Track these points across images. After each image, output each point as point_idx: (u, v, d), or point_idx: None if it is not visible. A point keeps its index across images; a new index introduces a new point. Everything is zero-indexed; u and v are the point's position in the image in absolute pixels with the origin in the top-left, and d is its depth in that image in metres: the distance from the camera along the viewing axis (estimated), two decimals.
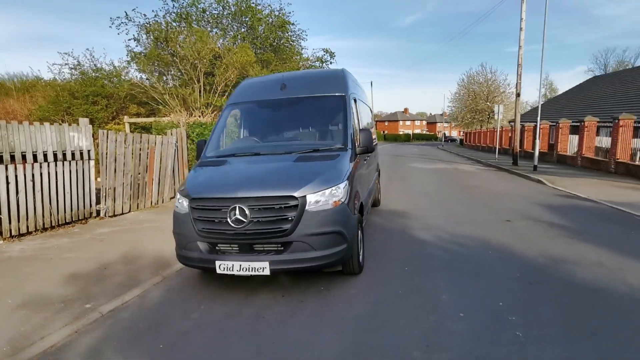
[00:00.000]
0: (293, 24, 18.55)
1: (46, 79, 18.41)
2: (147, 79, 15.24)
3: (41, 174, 6.45)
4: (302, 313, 3.58)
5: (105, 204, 7.58)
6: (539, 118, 16.03)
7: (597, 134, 16.44)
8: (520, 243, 5.52)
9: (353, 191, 4.20)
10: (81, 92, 15.15)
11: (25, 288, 4.20)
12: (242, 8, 17.27)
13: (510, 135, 27.64)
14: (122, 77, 16.64)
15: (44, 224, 6.49)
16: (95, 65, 16.47)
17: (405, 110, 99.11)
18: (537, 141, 16.05)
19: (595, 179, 12.37)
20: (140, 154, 8.31)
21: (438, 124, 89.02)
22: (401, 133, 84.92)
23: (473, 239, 5.82)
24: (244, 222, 3.64)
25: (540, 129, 16.50)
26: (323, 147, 4.65)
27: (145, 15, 21.03)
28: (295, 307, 3.70)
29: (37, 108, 15.74)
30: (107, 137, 7.55)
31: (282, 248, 3.72)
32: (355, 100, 5.39)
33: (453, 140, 64.26)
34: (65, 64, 16.02)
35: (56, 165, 6.71)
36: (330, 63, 19.96)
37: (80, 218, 7.17)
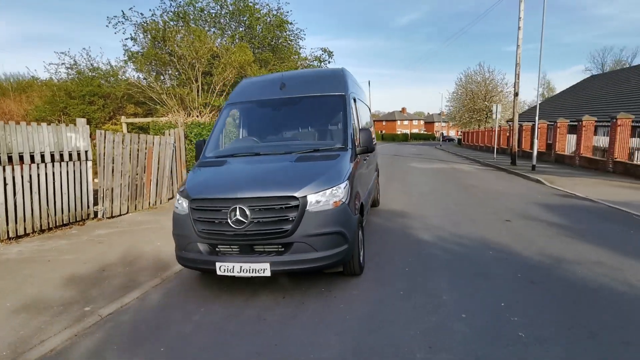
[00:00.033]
0: (291, 24, 18.55)
1: (43, 78, 18.33)
2: (144, 78, 15.17)
3: (38, 175, 6.41)
4: (303, 314, 3.57)
5: (103, 205, 7.54)
6: (537, 118, 16.05)
7: (595, 133, 16.51)
8: (520, 243, 5.52)
9: (354, 191, 4.19)
10: (78, 92, 15.07)
11: (24, 291, 4.17)
12: (240, 7, 17.23)
13: (508, 134, 27.74)
14: (119, 76, 16.58)
15: (41, 225, 6.45)
16: (91, 64, 16.43)
17: (403, 109, 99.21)
18: (536, 141, 16.09)
19: (593, 179, 12.41)
20: (138, 155, 8.26)
21: (436, 124, 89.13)
22: (399, 133, 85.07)
23: (473, 238, 5.82)
24: (245, 222, 3.62)
25: (538, 128, 16.53)
26: (323, 147, 4.63)
27: (142, 14, 20.89)
28: (296, 308, 3.69)
29: (34, 108, 15.67)
30: (105, 137, 7.50)
31: (283, 249, 3.70)
32: (354, 100, 5.37)
33: (451, 139, 64.43)
34: (62, 63, 15.97)
35: (54, 166, 6.67)
36: (329, 62, 19.97)
37: (77, 219, 7.13)
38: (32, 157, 6.33)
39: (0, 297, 4.01)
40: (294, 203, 3.65)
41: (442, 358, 2.81)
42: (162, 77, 15.53)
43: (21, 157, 6.18)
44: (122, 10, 18.46)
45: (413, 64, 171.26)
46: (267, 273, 3.63)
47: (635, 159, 13.06)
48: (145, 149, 8.46)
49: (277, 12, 17.98)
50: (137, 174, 8.27)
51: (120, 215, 7.85)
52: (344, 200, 3.88)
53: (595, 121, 16.47)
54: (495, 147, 24.42)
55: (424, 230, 6.36)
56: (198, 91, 14.26)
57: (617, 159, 13.68)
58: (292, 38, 19.01)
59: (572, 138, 17.84)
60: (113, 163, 7.68)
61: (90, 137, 7.49)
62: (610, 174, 13.61)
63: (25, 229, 6.20)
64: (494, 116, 23.05)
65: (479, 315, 3.43)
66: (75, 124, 7.19)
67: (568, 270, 4.43)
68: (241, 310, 3.68)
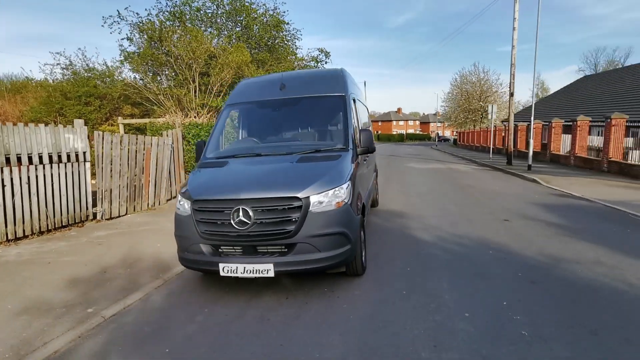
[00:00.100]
0: (288, 24, 18.52)
1: (37, 79, 18.17)
2: (141, 79, 15.08)
3: (37, 177, 6.36)
4: (307, 315, 3.58)
5: (101, 207, 7.50)
6: (532, 118, 16.18)
7: (590, 133, 16.65)
8: (518, 242, 5.57)
9: (355, 192, 4.20)
10: (73, 92, 14.94)
11: (25, 293, 4.14)
12: (237, 7, 17.19)
13: (503, 135, 27.90)
14: (116, 77, 16.47)
15: (40, 227, 6.40)
16: (87, 65, 16.30)
17: (399, 110, 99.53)
18: (531, 141, 16.21)
19: (588, 178, 12.53)
20: (136, 156, 8.23)
21: (431, 124, 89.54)
22: (395, 133, 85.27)
23: (472, 238, 5.86)
24: (248, 223, 3.62)
25: (533, 128, 16.65)
26: (324, 148, 4.64)
27: (138, 14, 20.79)
28: (299, 308, 3.70)
29: (29, 109, 15.51)
30: (103, 138, 7.47)
31: (286, 249, 3.71)
32: (354, 100, 5.39)
33: (446, 140, 64.68)
34: (57, 63, 15.83)
35: (52, 167, 6.62)
36: (326, 63, 19.97)
37: (76, 221, 7.09)
38: (30, 159, 6.29)
39: (1, 299, 3.98)
40: (297, 204, 3.66)
41: (447, 357, 2.83)
42: (158, 78, 15.45)
43: (19, 159, 6.13)
44: (117, 10, 18.25)
45: (409, 64, 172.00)
46: (271, 274, 3.63)
47: (630, 159, 13.19)
48: (144, 150, 8.43)
49: (274, 12, 17.97)
50: (135, 175, 8.24)
51: (119, 216, 7.82)
52: (346, 200, 3.89)
53: (590, 121, 16.61)
54: (491, 147, 24.58)
55: (423, 230, 6.40)
56: (195, 92, 14.21)
57: (611, 159, 13.81)
58: (288, 38, 19.01)
59: (567, 138, 17.99)
60: (111, 164, 7.65)
61: (89, 138, 7.45)
62: (605, 173, 13.74)
63: (24, 230, 6.15)
64: (489, 116, 23.20)
65: (481, 314, 3.45)
66: (72, 125, 7.15)
67: (567, 270, 4.48)
68: (244, 311, 3.68)
